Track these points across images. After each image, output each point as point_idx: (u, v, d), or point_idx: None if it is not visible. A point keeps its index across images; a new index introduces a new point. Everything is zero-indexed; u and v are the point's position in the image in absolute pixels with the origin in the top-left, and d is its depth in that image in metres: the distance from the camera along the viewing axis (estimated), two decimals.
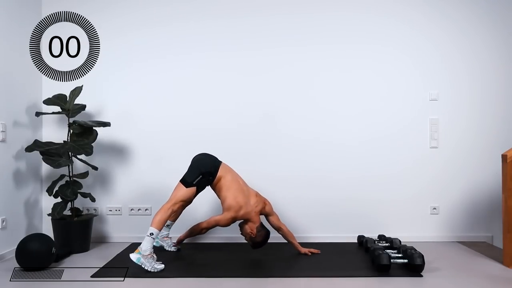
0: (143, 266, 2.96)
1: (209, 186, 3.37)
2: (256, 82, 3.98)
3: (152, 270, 2.96)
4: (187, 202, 3.26)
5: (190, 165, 3.31)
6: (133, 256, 2.98)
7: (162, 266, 3.01)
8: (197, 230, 3.34)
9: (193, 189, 3.19)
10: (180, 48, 3.98)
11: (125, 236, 3.96)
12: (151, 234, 3.01)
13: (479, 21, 3.99)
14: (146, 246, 2.98)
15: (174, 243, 3.63)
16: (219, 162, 3.36)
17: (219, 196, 3.35)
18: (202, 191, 3.36)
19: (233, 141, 3.96)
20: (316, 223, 3.97)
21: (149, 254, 2.98)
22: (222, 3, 3.99)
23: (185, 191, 3.17)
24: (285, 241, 3.61)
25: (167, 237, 3.61)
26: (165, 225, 3.41)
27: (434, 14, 3.99)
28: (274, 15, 3.98)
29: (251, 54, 3.98)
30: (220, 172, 3.30)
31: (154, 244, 3.35)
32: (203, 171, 3.23)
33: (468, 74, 4.00)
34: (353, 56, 3.99)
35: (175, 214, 3.39)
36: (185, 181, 3.19)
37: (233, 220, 3.26)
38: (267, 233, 3.35)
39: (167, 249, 3.58)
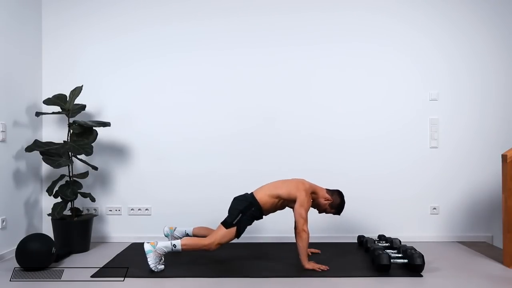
0: (148, 259, 2.97)
1: (261, 217, 3.23)
2: (255, 81, 3.98)
3: (153, 269, 2.96)
4: (226, 243, 3.12)
5: (228, 211, 3.18)
6: (147, 246, 3.00)
7: (162, 267, 3.02)
8: (305, 238, 3.03)
9: (233, 230, 3.07)
10: (180, 48, 3.98)
11: (125, 236, 3.96)
12: (174, 246, 3.01)
13: (479, 21, 3.99)
14: (162, 249, 3.00)
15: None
16: (251, 193, 3.24)
17: (279, 201, 3.19)
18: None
19: (232, 140, 3.96)
20: (316, 223, 3.96)
21: (160, 254, 3.00)
22: (221, 3, 3.99)
23: (224, 232, 3.07)
24: (286, 242, 3.62)
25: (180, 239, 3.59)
26: (186, 232, 3.48)
27: (435, 14, 3.99)
28: (274, 14, 3.98)
29: (251, 53, 3.97)
30: (258, 194, 3.18)
31: (164, 234, 3.49)
32: (241, 209, 3.13)
33: (468, 74, 4.00)
34: (353, 55, 3.98)
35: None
36: (226, 222, 3.11)
37: (307, 194, 3.14)
38: (339, 190, 3.33)
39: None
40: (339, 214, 3.36)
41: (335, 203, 3.28)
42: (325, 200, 3.26)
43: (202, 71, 3.99)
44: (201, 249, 3.06)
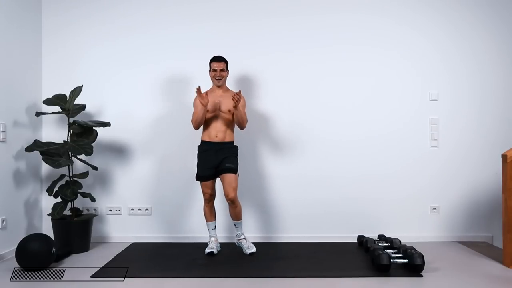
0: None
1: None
2: (256, 82, 3.98)
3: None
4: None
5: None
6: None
7: (210, 250, 3.42)
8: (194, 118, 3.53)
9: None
10: (180, 50, 3.98)
11: (125, 236, 3.96)
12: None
13: (478, 22, 3.99)
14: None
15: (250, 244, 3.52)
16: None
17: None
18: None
19: None
20: (316, 223, 3.97)
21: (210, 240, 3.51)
22: (223, 6, 3.99)
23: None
24: (285, 241, 3.63)
25: (240, 238, 3.53)
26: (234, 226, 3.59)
27: (434, 15, 3.99)
28: (272, 17, 3.98)
29: (251, 55, 3.98)
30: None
31: (236, 244, 3.58)
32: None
33: (468, 74, 4.00)
34: (353, 57, 3.98)
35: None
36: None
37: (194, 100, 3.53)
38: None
39: (245, 252, 3.47)
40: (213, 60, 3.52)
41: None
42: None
43: (202, 72, 3.98)
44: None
